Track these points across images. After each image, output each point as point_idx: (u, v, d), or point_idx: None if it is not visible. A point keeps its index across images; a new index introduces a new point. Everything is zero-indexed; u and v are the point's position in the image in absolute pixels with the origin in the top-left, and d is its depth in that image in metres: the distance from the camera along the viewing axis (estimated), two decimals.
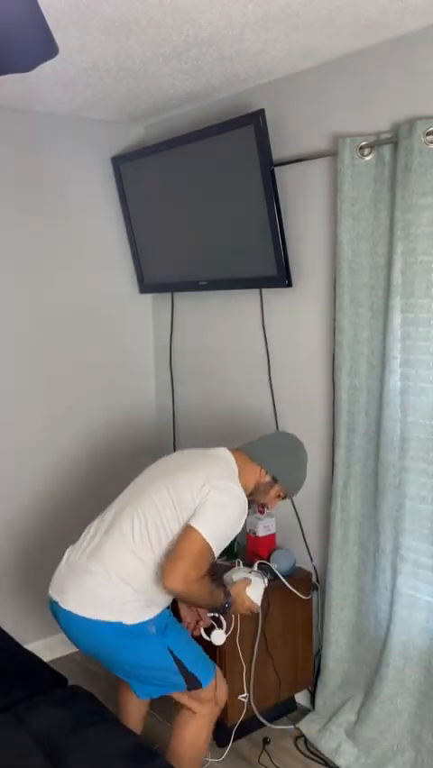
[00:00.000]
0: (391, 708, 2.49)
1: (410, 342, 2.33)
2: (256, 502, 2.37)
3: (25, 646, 2.64)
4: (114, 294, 3.43)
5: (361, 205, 2.42)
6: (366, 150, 2.39)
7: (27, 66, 1.23)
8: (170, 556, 2.08)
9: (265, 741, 2.71)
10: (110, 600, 2.11)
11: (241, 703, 2.64)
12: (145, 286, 3.42)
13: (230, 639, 2.57)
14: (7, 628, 2.78)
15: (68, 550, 2.29)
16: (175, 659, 2.16)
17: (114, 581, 2.11)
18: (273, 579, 2.73)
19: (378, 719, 2.52)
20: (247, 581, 2.34)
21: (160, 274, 3.31)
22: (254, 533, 2.87)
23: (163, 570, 2.06)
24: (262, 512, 2.90)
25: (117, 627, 2.10)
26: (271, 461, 2.31)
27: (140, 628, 2.11)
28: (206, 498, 2.10)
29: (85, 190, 3.28)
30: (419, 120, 2.20)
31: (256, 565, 2.75)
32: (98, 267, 3.37)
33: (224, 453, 2.30)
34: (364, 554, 2.59)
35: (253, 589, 2.33)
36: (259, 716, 2.73)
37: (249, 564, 2.79)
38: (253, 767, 2.61)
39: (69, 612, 2.13)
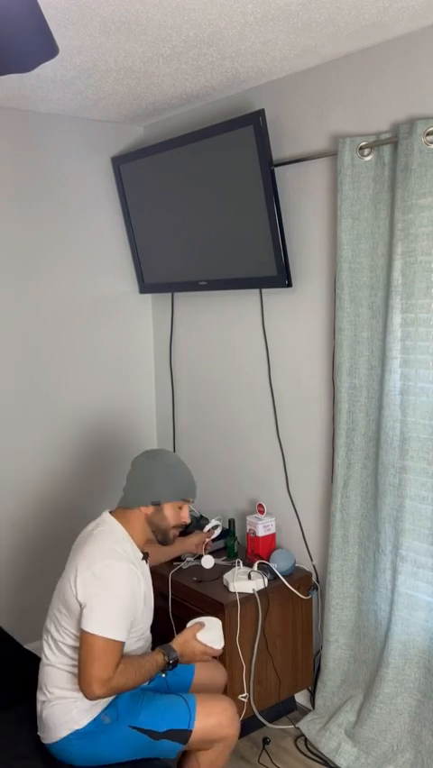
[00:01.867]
0: (391, 708, 2.49)
1: (410, 342, 2.33)
2: (167, 533, 2.22)
3: (25, 646, 2.65)
4: (114, 294, 3.44)
5: (361, 205, 2.42)
6: (366, 151, 2.39)
7: (27, 66, 1.23)
8: (78, 666, 2.00)
9: (265, 741, 2.72)
10: (58, 716, 2.06)
11: (241, 703, 2.64)
12: (145, 286, 3.42)
13: (230, 639, 2.58)
14: (7, 628, 2.78)
15: None
16: (144, 731, 2.07)
17: (53, 698, 2.08)
18: (273, 579, 2.74)
19: (378, 719, 2.52)
20: (200, 625, 2.21)
21: (160, 274, 3.31)
22: (254, 533, 2.88)
23: (78, 684, 2.00)
24: (261, 512, 2.91)
25: (74, 737, 2.04)
26: (138, 496, 2.19)
27: (94, 725, 2.05)
28: (84, 592, 2.00)
29: (85, 190, 3.28)
30: (418, 120, 2.20)
31: (256, 565, 2.76)
32: (98, 267, 3.37)
33: (105, 522, 2.19)
34: (364, 554, 2.59)
35: (208, 632, 2.20)
36: (259, 716, 2.73)
37: (249, 564, 2.79)
38: (254, 767, 2.61)
39: (45, 745, 2.10)
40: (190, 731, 2.08)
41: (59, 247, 3.23)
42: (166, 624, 2.79)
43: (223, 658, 2.57)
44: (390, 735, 2.50)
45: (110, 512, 2.23)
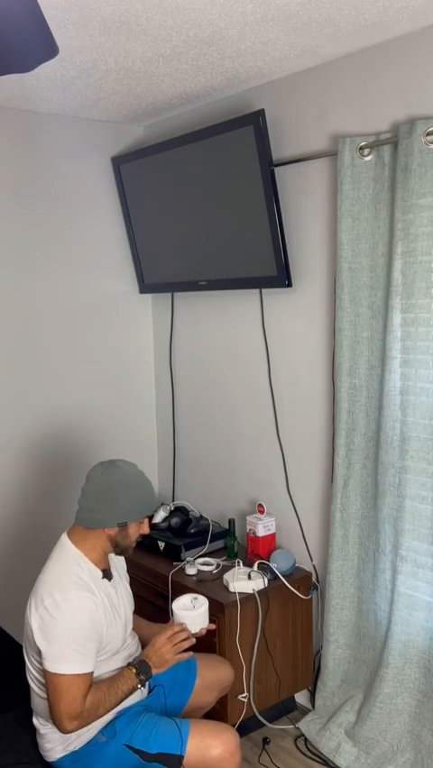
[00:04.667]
0: (391, 708, 2.49)
1: (410, 342, 2.33)
2: (128, 549, 2.16)
3: None
4: (114, 294, 3.44)
5: (361, 205, 2.42)
6: (366, 151, 2.39)
7: (27, 66, 1.23)
8: (48, 705, 1.99)
9: (265, 741, 2.72)
10: (53, 740, 2.06)
11: (241, 703, 2.64)
12: (145, 286, 3.42)
13: (230, 639, 2.58)
14: (7, 628, 2.78)
15: None
16: (136, 750, 2.05)
17: (47, 725, 2.07)
18: (273, 579, 2.74)
19: (378, 719, 2.52)
20: (178, 626, 2.17)
21: (160, 274, 3.31)
22: (254, 533, 2.88)
23: (51, 720, 2.00)
24: (261, 512, 2.91)
25: (69, 758, 2.05)
26: (102, 517, 2.07)
27: (90, 746, 2.05)
28: (39, 630, 1.96)
29: (85, 190, 3.28)
30: (418, 120, 2.20)
31: (256, 565, 2.76)
32: (98, 267, 3.37)
33: (61, 546, 2.12)
34: (364, 554, 2.59)
35: (191, 611, 2.17)
36: (259, 716, 2.73)
37: (249, 564, 2.79)
38: (253, 767, 2.61)
39: (50, 762, 2.10)
40: (181, 756, 2.05)
41: (59, 247, 3.23)
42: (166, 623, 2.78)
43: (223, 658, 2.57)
44: (390, 735, 2.50)
45: (67, 533, 2.15)
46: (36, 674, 2.06)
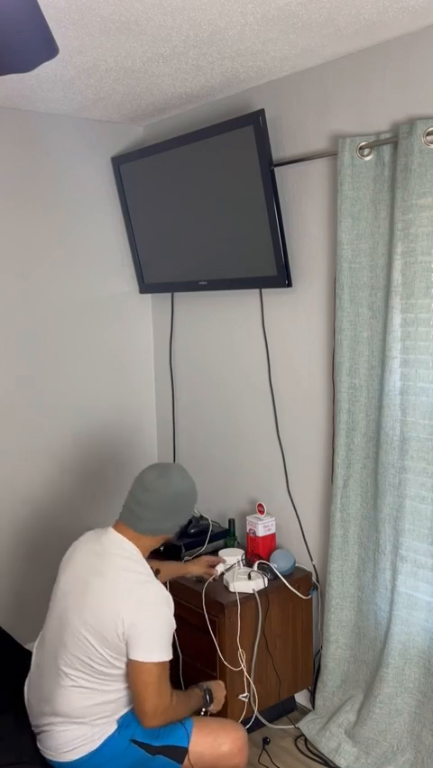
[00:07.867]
0: (391, 708, 2.49)
1: (410, 342, 2.33)
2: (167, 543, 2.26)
3: (25, 646, 2.65)
4: (114, 294, 3.44)
5: (361, 205, 2.42)
6: (366, 151, 2.39)
7: (27, 66, 1.23)
8: (135, 698, 2.00)
9: (265, 741, 2.72)
10: (73, 740, 2.05)
11: (241, 703, 2.64)
12: (145, 286, 3.42)
13: (230, 639, 2.58)
14: (7, 628, 2.79)
15: (26, 685, 2.23)
16: (141, 744, 2.07)
17: (75, 724, 2.05)
18: (273, 579, 2.74)
19: (378, 719, 2.52)
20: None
21: (160, 274, 3.31)
22: (254, 533, 2.88)
23: (137, 714, 2.02)
24: (261, 512, 2.91)
25: (87, 758, 2.05)
26: (165, 526, 2.13)
27: (105, 744, 2.05)
28: (132, 625, 1.95)
29: (85, 190, 3.28)
30: (418, 120, 2.20)
31: (256, 565, 2.76)
32: (98, 267, 3.37)
33: (119, 544, 2.11)
34: (364, 554, 2.59)
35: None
36: (259, 716, 2.73)
37: (249, 564, 2.79)
38: (254, 767, 2.61)
39: (56, 763, 2.07)
40: (186, 749, 2.07)
41: (59, 247, 3.23)
42: None
43: (223, 657, 2.57)
44: (390, 735, 2.50)
45: (118, 531, 2.14)
46: (102, 667, 2.02)
